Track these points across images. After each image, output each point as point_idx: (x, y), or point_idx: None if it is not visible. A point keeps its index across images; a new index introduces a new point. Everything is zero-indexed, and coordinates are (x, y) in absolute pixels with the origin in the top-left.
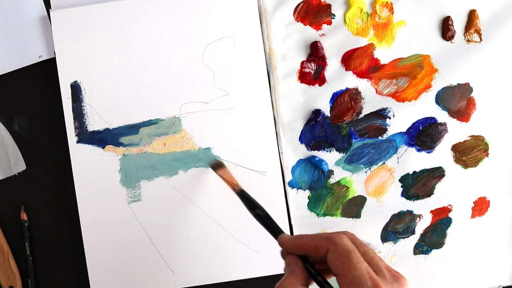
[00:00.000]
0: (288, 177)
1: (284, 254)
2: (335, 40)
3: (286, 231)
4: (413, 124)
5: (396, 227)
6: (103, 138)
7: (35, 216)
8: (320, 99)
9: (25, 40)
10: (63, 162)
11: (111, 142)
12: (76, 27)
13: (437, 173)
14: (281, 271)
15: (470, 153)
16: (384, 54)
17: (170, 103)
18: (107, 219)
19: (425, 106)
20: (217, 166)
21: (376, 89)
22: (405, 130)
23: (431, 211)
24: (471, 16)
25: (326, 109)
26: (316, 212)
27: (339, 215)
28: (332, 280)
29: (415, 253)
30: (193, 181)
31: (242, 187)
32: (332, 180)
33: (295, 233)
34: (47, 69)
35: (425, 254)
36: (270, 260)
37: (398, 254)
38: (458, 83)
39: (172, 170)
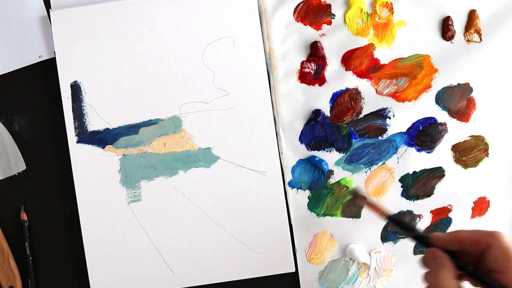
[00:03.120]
0: (288, 177)
1: (426, 251)
2: (335, 40)
3: (286, 231)
4: (413, 124)
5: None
6: (103, 138)
7: (35, 216)
8: (320, 99)
9: (25, 40)
10: (63, 162)
11: (111, 142)
12: (76, 27)
13: (437, 173)
14: (281, 271)
15: (470, 153)
16: (384, 54)
17: (170, 103)
18: (107, 219)
19: (425, 106)
20: (356, 195)
21: (376, 89)
22: (405, 130)
23: (431, 211)
24: (471, 16)
25: (326, 109)
26: (316, 212)
27: (339, 215)
28: None
29: (415, 253)
30: (193, 181)
31: (388, 212)
32: (332, 180)
33: (295, 233)
34: (47, 69)
35: None
36: (270, 260)
37: (398, 254)
38: (458, 83)
39: (172, 170)
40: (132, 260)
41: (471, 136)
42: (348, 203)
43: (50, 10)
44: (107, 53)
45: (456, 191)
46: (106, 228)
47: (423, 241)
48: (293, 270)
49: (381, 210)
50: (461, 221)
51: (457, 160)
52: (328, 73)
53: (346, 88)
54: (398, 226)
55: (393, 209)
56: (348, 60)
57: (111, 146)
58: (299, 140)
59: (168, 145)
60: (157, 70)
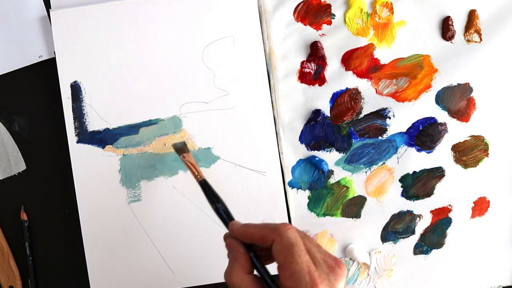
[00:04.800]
0: (288, 177)
1: (226, 238)
2: (335, 40)
3: None
4: (413, 124)
5: (396, 227)
6: (103, 138)
7: (35, 216)
8: (320, 99)
9: (25, 40)
10: (63, 162)
11: (111, 142)
12: (76, 27)
13: (437, 173)
14: None
15: (470, 153)
16: (384, 54)
17: (170, 103)
18: (107, 219)
19: (425, 106)
20: (182, 150)
21: (376, 89)
22: (405, 130)
23: (431, 211)
24: (471, 16)
25: (326, 109)
26: (316, 212)
27: (339, 215)
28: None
29: (415, 253)
30: (193, 181)
31: (204, 176)
32: (332, 180)
33: None
34: (47, 69)
35: (425, 254)
36: None
37: (398, 254)
38: (458, 83)
39: (172, 170)
40: (132, 260)
41: (471, 136)
42: (348, 203)
43: (50, 10)
44: (107, 53)
45: (456, 191)
46: (106, 228)
47: (224, 221)
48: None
49: (196, 172)
50: (461, 221)
51: (457, 160)
52: (328, 73)
53: (346, 88)
54: (206, 193)
55: (393, 209)
56: (348, 60)
57: (111, 146)
58: (299, 140)
59: (168, 145)
60: (157, 70)
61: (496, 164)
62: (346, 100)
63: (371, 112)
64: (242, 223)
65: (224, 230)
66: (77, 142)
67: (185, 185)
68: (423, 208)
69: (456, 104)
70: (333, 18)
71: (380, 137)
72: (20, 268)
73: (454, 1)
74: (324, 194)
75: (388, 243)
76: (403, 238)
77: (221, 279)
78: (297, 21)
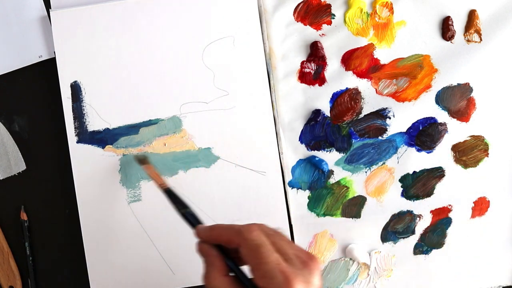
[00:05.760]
0: (288, 177)
1: (198, 244)
2: (335, 40)
3: (286, 231)
4: (413, 124)
5: (396, 227)
6: (103, 138)
7: (35, 216)
8: (320, 99)
9: (25, 40)
10: (63, 162)
11: (111, 142)
12: (76, 27)
13: (437, 173)
14: None
15: (470, 153)
16: (384, 54)
17: (170, 103)
18: (107, 219)
19: (425, 106)
20: (143, 161)
21: (376, 89)
22: (405, 130)
23: (431, 211)
24: (471, 16)
25: (326, 109)
26: (316, 212)
27: (339, 215)
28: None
29: (415, 253)
30: (193, 181)
31: (168, 185)
32: (332, 180)
33: (295, 233)
34: (47, 69)
35: (425, 254)
36: None
37: (398, 254)
38: (458, 83)
39: (172, 170)
40: (132, 260)
41: (471, 136)
42: (348, 203)
43: (50, 10)
44: (107, 53)
45: (456, 191)
46: (106, 228)
47: (192, 226)
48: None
49: (161, 181)
50: (461, 221)
51: (457, 160)
52: (328, 73)
53: (346, 88)
54: (172, 200)
55: (393, 209)
56: (348, 60)
57: (111, 146)
58: (299, 140)
59: (168, 145)
60: (157, 70)
61: (496, 164)
62: (346, 100)
63: (371, 112)
64: (207, 226)
65: None
66: (77, 142)
67: (185, 185)
68: (423, 208)
69: (456, 104)
70: (333, 18)
71: (380, 137)
72: (20, 268)
73: (454, 1)
74: (324, 194)
75: (388, 243)
76: (403, 238)
77: None
78: (297, 21)
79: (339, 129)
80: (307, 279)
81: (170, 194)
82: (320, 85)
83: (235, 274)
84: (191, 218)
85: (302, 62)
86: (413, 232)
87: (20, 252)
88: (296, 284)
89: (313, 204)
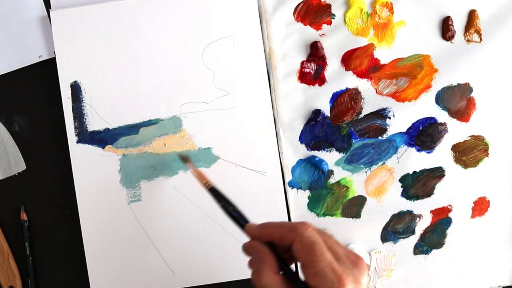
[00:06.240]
0: (288, 177)
1: (246, 243)
2: (335, 40)
3: None
4: (413, 124)
5: (396, 227)
6: (103, 138)
7: (35, 216)
8: (320, 99)
9: (25, 40)
10: (63, 162)
11: (111, 142)
12: (76, 27)
13: (437, 173)
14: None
15: (470, 153)
16: (384, 54)
17: (170, 103)
18: (107, 219)
19: (425, 106)
20: (186, 159)
21: (376, 89)
22: (405, 130)
23: (431, 211)
24: (471, 16)
25: (326, 109)
26: (316, 212)
27: (339, 215)
28: None
29: (415, 253)
30: (193, 181)
31: (212, 183)
32: (332, 180)
33: None
34: (47, 69)
35: (425, 254)
36: None
37: (398, 254)
38: (458, 83)
39: (172, 170)
40: (132, 260)
41: (471, 136)
42: (348, 203)
43: (50, 10)
44: (107, 53)
45: (456, 191)
46: (106, 228)
47: (239, 224)
48: (293, 270)
49: (205, 180)
50: (461, 221)
51: (457, 160)
52: (328, 73)
53: (346, 88)
54: (217, 199)
55: (393, 209)
56: (348, 60)
57: (111, 146)
58: (299, 140)
59: (168, 145)
60: (157, 70)
61: (496, 164)
62: (346, 100)
63: (371, 112)
64: (258, 224)
65: (224, 230)
66: (77, 142)
67: (185, 185)
68: (423, 208)
69: (456, 104)
70: (333, 18)
71: (380, 137)
72: (20, 268)
73: (454, 1)
74: (324, 194)
75: (388, 243)
76: (403, 238)
77: (221, 279)
78: (297, 21)
79: (339, 129)
80: (357, 278)
81: (215, 193)
82: (320, 85)
83: (285, 272)
84: (237, 216)
85: (302, 62)
86: (413, 232)
87: (20, 252)
88: (348, 284)
89: (313, 204)
